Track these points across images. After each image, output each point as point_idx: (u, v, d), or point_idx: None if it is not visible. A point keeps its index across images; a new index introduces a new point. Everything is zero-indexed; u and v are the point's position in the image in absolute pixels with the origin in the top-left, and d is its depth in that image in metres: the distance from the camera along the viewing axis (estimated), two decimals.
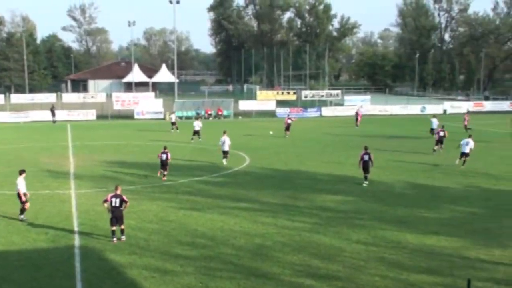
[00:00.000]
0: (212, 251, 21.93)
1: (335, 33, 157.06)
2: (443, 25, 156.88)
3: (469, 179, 36.35)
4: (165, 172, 36.38)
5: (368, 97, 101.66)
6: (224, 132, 43.36)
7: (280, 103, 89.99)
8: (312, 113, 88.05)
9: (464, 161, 41.17)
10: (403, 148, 50.57)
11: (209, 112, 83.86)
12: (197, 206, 28.95)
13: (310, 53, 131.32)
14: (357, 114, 72.18)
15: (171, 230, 24.69)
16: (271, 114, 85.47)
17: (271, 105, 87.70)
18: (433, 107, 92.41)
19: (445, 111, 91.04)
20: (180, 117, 79.19)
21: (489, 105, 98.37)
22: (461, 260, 20.99)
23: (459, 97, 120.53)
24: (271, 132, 60.12)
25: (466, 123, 60.97)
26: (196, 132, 54.53)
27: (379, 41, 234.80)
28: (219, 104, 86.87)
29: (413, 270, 19.97)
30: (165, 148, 36.98)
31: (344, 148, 50.51)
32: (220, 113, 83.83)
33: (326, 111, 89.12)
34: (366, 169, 34.78)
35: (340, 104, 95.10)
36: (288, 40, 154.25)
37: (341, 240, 23.30)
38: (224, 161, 41.90)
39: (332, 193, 32.16)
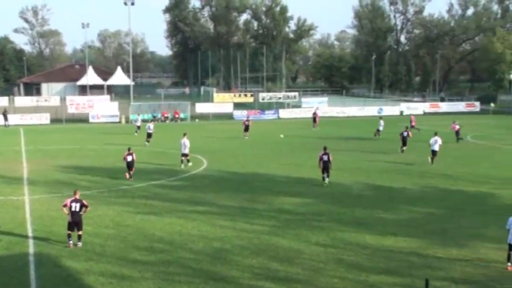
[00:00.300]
0: (170, 256, 21.84)
1: (291, 35, 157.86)
2: (399, 27, 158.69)
3: (426, 180, 36.87)
4: (131, 172, 37.06)
5: (325, 98, 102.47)
6: (184, 134, 43.29)
7: (238, 106, 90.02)
8: (269, 115, 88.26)
9: (432, 159, 42.44)
10: (361, 149, 51.06)
11: (166, 115, 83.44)
12: (154, 210, 28.80)
13: (267, 55, 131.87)
14: (315, 115, 72.62)
15: (128, 235, 24.51)
16: (229, 116, 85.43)
17: (228, 108, 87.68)
18: (390, 109, 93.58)
19: (401, 112, 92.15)
20: (136, 120, 78.82)
21: (445, 106, 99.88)
22: (419, 260, 21.27)
23: (416, 99, 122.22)
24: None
25: (414, 123, 61.74)
26: (149, 135, 54.49)
27: (335, 42, 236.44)
28: (176, 107, 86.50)
29: (372, 271, 20.17)
30: (129, 149, 37.76)
31: (302, 150, 50.76)
32: (177, 116, 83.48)
33: (284, 113, 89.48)
34: (326, 169, 35.22)
35: (297, 106, 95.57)
36: (245, 42, 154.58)
37: (300, 242, 23.41)
38: (182, 165, 41.81)
39: (291, 195, 32.30)
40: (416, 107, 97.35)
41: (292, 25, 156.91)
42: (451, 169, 40.74)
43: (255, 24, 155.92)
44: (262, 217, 27.62)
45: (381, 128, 59.60)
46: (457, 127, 56.53)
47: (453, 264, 20.91)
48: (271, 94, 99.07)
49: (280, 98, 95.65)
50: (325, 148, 35.94)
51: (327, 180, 35.32)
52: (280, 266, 20.73)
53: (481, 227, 25.79)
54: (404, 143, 48.80)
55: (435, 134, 44.19)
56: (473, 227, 25.80)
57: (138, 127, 64.05)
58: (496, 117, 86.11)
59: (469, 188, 34.43)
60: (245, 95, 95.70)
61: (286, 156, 47.55)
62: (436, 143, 42.81)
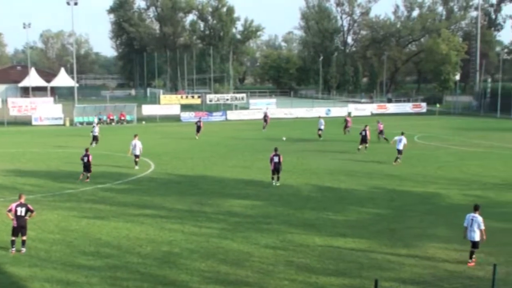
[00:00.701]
0: (117, 261, 21.61)
1: (239, 36, 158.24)
2: (345, 28, 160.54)
3: (374, 181, 37.30)
4: (88, 174, 37.46)
5: (273, 100, 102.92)
6: (135, 136, 43.60)
7: (185, 108, 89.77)
8: (217, 117, 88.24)
9: (397, 158, 43.76)
10: (310, 151, 51.39)
11: (112, 117, 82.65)
12: (100, 215, 28.47)
13: (214, 56, 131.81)
14: (265, 117, 72.78)
15: (73, 240, 24.16)
16: (176, 118, 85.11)
17: (175, 110, 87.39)
18: (338, 110, 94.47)
19: (349, 113, 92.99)
20: (81, 123, 77.90)
21: (392, 107, 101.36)
22: (368, 261, 21.50)
23: (363, 100, 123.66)
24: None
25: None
26: (94, 138, 53.98)
27: (283, 44, 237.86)
28: (122, 109, 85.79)
29: (321, 272, 20.30)
30: (87, 150, 38.19)
31: (250, 152, 50.86)
32: (122, 118, 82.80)
33: (232, 115, 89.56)
34: (277, 170, 35.64)
35: (245, 107, 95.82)
36: (191, 43, 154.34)
37: (250, 245, 23.43)
38: (136, 167, 42.11)
39: (240, 198, 32.31)
40: (363, 108, 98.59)
41: (239, 26, 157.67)
42: (398, 170, 41.31)
43: (202, 25, 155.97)
44: (211, 220, 27.55)
45: (322, 127, 60.56)
46: (381, 126, 58.41)
47: (402, 265, 21.19)
48: (218, 95, 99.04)
49: (227, 99, 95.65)
50: (276, 150, 36.34)
51: (278, 183, 35.76)
52: (230, 269, 20.71)
53: (429, 227, 26.20)
54: (362, 141, 50.13)
55: (402, 133, 45.51)
56: (421, 227, 26.20)
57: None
58: (442, 118, 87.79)
59: (417, 188, 34.97)
60: (192, 97, 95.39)
61: (234, 158, 47.56)
62: (401, 142, 44.30)
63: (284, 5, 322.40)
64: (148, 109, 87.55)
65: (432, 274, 20.17)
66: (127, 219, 27.60)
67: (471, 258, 21.28)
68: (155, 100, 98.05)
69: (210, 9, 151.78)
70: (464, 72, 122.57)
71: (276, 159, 35.62)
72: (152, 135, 63.53)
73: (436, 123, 78.52)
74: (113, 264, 21.24)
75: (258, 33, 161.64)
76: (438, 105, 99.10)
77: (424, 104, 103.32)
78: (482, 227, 21.23)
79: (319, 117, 64.78)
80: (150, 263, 21.30)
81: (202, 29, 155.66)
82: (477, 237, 21.32)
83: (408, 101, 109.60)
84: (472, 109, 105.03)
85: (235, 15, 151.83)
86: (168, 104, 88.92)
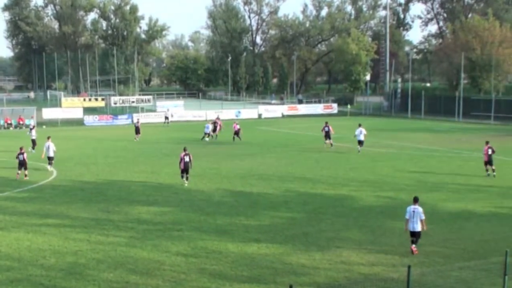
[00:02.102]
0: (19, 274, 21.08)
1: (143, 36, 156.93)
2: (254, 28, 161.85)
3: (286, 184, 37.76)
4: (26, 172, 39.66)
5: (181, 102, 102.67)
6: (48, 138, 44.80)
7: (88, 111, 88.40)
8: (123, 120, 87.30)
9: (359, 148, 49.32)
10: (220, 154, 51.55)
11: (9, 122, 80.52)
12: None
13: (118, 57, 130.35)
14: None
15: None
16: (79, 122, 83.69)
17: (78, 113, 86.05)
18: (248, 111, 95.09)
19: (260, 115, 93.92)
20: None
21: (303, 108, 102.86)
22: (283, 267, 21.75)
23: (274, 101, 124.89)
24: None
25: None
26: None
27: (190, 44, 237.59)
28: (20, 112, 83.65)
29: (235, 279, 20.42)
30: (21, 149, 40.05)
31: (158, 156, 50.60)
32: (21, 122, 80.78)
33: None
34: (186, 170, 36.60)
35: (152, 110, 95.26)
36: (93, 42, 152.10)
37: (160, 253, 23.32)
38: (49, 167, 43.15)
39: (148, 204, 32.09)
40: (274, 110, 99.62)
41: (144, 25, 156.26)
42: (310, 172, 41.97)
43: (104, 24, 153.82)
44: (119, 228, 27.26)
45: (207, 131, 62.85)
46: (237, 127, 61.52)
47: (317, 269, 21.54)
48: (123, 98, 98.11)
49: (133, 102, 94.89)
50: (185, 149, 37.09)
51: (187, 182, 36.65)
52: (140, 279, 20.55)
53: (342, 230, 26.73)
54: (326, 137, 53.78)
55: (359, 125, 50.67)
56: (334, 230, 26.70)
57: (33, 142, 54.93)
58: (354, 119, 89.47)
59: (329, 191, 35.61)
60: (96, 99, 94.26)
61: (141, 163, 47.17)
62: (361, 133, 50.68)
63: (190, 4, 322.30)
64: (48, 113, 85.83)
65: (347, 278, 20.60)
66: (29, 229, 26.95)
67: (415, 244, 23.16)
68: (56, 103, 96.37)
69: (112, 8, 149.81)
70: (374, 72, 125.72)
71: (186, 159, 36.45)
72: (53, 140, 62.08)
73: (347, 124, 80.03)
74: (14, 277, 20.71)
75: (164, 32, 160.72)
76: (349, 106, 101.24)
77: (335, 105, 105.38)
78: (423, 217, 23.23)
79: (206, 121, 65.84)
80: (54, 275, 20.89)
81: (104, 28, 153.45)
82: (418, 227, 23.20)
83: (319, 102, 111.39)
84: (383, 110, 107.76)
85: (139, 13, 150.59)
86: (70, 107, 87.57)
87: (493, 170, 40.03)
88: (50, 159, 43.94)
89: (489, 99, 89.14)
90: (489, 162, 40.11)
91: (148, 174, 41.90)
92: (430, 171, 42.37)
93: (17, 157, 39.62)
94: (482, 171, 40.63)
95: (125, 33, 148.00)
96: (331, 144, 53.38)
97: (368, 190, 35.60)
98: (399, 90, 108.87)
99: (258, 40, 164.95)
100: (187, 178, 36.89)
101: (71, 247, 24.21)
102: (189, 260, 22.52)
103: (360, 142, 51.20)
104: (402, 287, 17.25)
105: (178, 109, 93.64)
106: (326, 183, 37.99)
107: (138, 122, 65.98)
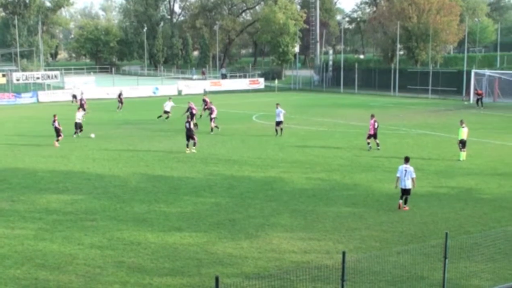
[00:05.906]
0: None
1: (48, 4, 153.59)
2: None
3: (210, 167, 37.84)
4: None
5: (92, 78, 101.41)
6: None
7: None
8: (27, 99, 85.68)
9: (281, 129, 49.80)
10: (136, 136, 51.19)
11: None
12: None
13: (20, 28, 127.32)
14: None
15: None
16: None
17: None
18: (167, 88, 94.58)
19: (180, 91, 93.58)
20: None
21: (227, 84, 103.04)
22: (208, 257, 21.86)
23: (195, 76, 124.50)
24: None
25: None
26: None
27: (101, 13, 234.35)
28: None
29: (156, 272, 20.44)
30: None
31: (68, 139, 49.73)
32: None
33: (44, 96, 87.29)
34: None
35: (60, 87, 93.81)
36: None
37: (72, 246, 23.11)
38: None
39: (58, 192, 31.70)
40: (195, 85, 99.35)
41: None
42: (236, 154, 42.16)
43: None
44: (25, 219, 26.86)
45: (167, 109, 61.24)
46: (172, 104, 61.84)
47: (245, 258, 21.73)
48: (27, 73, 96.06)
49: (38, 78, 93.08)
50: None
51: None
52: (50, 275, 20.36)
53: (271, 215, 27.00)
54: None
55: (277, 105, 50.70)
56: (263, 216, 26.94)
57: None
58: (282, 94, 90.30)
59: (257, 173, 35.87)
60: None
61: (48, 147, 46.41)
62: (281, 113, 50.39)
63: None
64: None
65: (277, 267, 20.85)
66: None
67: (405, 203, 27.65)
68: None
69: None
70: (303, 43, 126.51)
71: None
72: None
73: (275, 100, 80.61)
74: None
75: (71, 0, 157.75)
76: (277, 81, 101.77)
77: (262, 80, 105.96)
78: (414, 176, 27.56)
79: (169, 98, 64.56)
80: None
81: None
82: (409, 184, 27.49)
83: (245, 76, 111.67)
84: (313, 84, 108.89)
85: None
86: None
87: (377, 144, 43.48)
88: None
89: (427, 71, 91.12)
90: (374, 135, 43.32)
91: (56, 159, 41.28)
92: (364, 150, 43.13)
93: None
94: (420, 148, 41.66)
95: (27, 0, 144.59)
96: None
97: (299, 172, 36.02)
98: (330, 63, 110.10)
99: (177, 8, 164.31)
100: (194, 144, 42.27)
101: None
102: (105, 252, 22.41)
103: (278, 123, 50.48)
104: (337, 275, 17.44)
105: (89, 86, 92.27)
106: (253, 165, 38.23)
107: (121, 94, 71.13)
